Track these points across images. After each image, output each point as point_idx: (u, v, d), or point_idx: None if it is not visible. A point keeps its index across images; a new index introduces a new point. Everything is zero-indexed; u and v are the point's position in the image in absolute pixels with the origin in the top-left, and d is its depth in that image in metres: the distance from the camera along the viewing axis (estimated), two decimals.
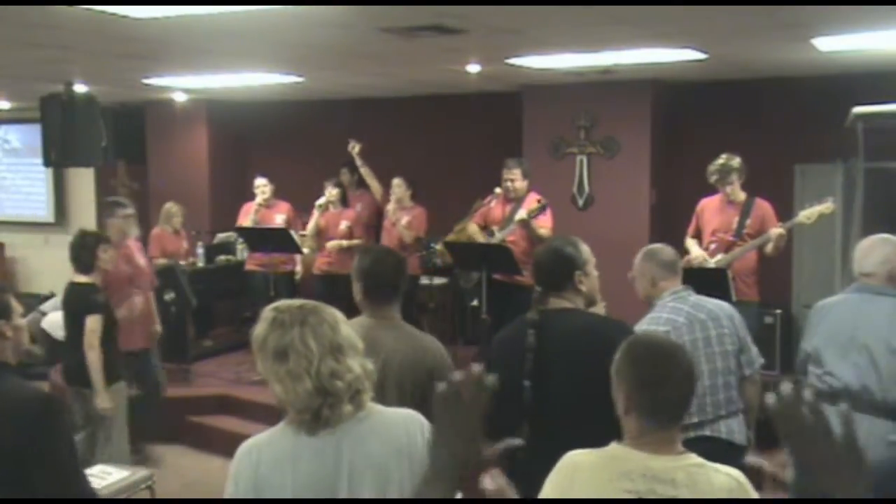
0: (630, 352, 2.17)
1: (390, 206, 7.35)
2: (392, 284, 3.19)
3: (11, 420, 2.41)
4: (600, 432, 2.17)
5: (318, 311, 2.09)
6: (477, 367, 1.65)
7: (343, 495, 2.02)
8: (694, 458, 2.08)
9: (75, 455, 2.53)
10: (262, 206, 7.83)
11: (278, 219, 7.81)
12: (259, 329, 2.09)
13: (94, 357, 4.83)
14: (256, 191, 7.89)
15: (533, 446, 2.21)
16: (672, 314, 3.57)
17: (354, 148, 7.71)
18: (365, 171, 7.79)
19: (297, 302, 2.13)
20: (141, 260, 6.12)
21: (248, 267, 7.87)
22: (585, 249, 3.04)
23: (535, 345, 2.89)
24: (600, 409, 2.26)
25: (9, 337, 2.57)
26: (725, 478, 2.05)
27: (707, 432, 3.47)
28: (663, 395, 2.09)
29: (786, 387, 1.45)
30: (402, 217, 7.26)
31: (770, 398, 1.45)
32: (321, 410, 2.01)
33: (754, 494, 2.06)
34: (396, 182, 7.36)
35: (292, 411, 2.05)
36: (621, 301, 4.06)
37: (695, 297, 3.65)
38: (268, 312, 2.11)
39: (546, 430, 2.70)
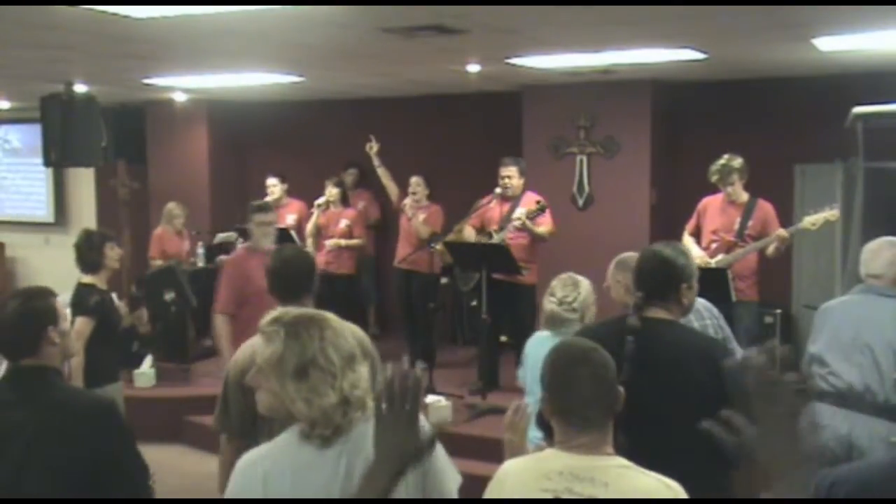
0: (547, 358, 2.18)
1: (407, 201, 7.38)
2: (302, 281, 3.33)
3: (79, 427, 2.43)
4: (693, 447, 2.14)
5: (329, 321, 2.02)
6: (410, 365, 1.72)
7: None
8: (620, 461, 2.07)
9: (136, 454, 2.56)
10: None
11: (289, 219, 7.85)
12: (271, 347, 1.97)
13: (75, 360, 4.79)
14: (267, 190, 7.96)
15: (630, 458, 2.18)
16: None
17: (372, 148, 7.70)
18: (381, 171, 7.78)
19: (297, 312, 2.06)
20: None
21: None
22: (693, 260, 2.95)
23: (635, 353, 2.74)
24: (694, 424, 2.21)
25: (56, 343, 2.57)
26: (653, 482, 2.03)
27: None
28: (569, 399, 2.09)
29: (750, 351, 1.52)
30: (419, 214, 7.30)
31: (729, 361, 1.50)
32: (340, 422, 1.96)
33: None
34: (416, 180, 7.39)
35: (308, 426, 1.97)
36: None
37: None
38: (273, 327, 1.99)
39: (641, 441, 2.65)
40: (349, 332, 2.04)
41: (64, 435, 2.41)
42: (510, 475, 2.17)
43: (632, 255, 3.75)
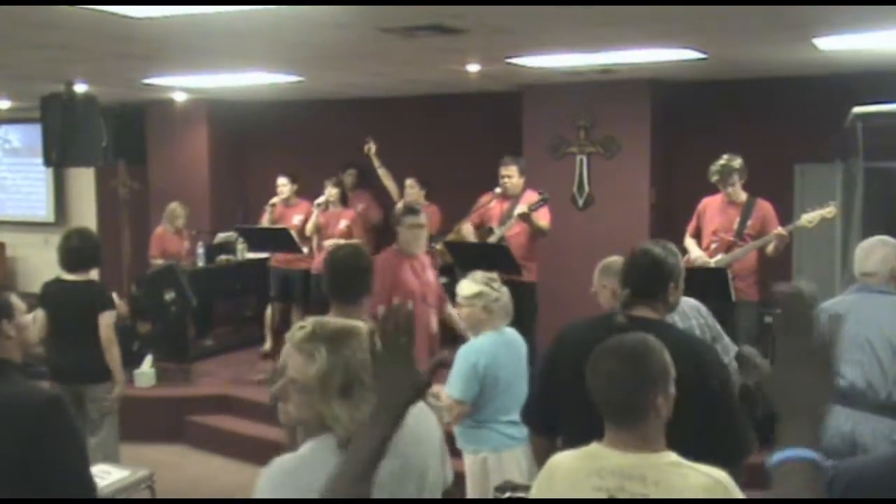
0: (590, 357, 2.19)
1: (400, 205, 7.38)
2: (359, 279, 3.27)
3: (15, 421, 2.41)
4: (682, 441, 2.14)
5: (361, 330, 1.97)
6: (402, 304, 1.74)
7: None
8: (671, 457, 2.08)
9: (82, 454, 2.53)
10: (276, 205, 7.93)
11: (296, 219, 7.88)
12: (315, 366, 1.90)
13: (116, 352, 4.89)
14: (277, 189, 8.00)
15: None
16: None
17: (370, 149, 7.69)
18: (382, 171, 7.76)
19: (333, 325, 1.99)
20: (430, 275, 5.33)
21: (271, 263, 7.97)
22: (681, 260, 2.94)
23: None
24: (683, 425, 2.22)
25: (11, 336, 2.58)
26: (703, 477, 2.03)
27: None
28: (606, 395, 2.11)
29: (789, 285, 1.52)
30: None
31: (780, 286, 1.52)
32: None
33: (738, 495, 2.04)
34: (409, 183, 7.41)
35: (345, 436, 1.88)
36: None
37: None
38: (312, 344, 1.92)
39: None
40: None
41: (5, 429, 2.40)
42: (560, 471, 2.17)
43: (616, 260, 3.75)
